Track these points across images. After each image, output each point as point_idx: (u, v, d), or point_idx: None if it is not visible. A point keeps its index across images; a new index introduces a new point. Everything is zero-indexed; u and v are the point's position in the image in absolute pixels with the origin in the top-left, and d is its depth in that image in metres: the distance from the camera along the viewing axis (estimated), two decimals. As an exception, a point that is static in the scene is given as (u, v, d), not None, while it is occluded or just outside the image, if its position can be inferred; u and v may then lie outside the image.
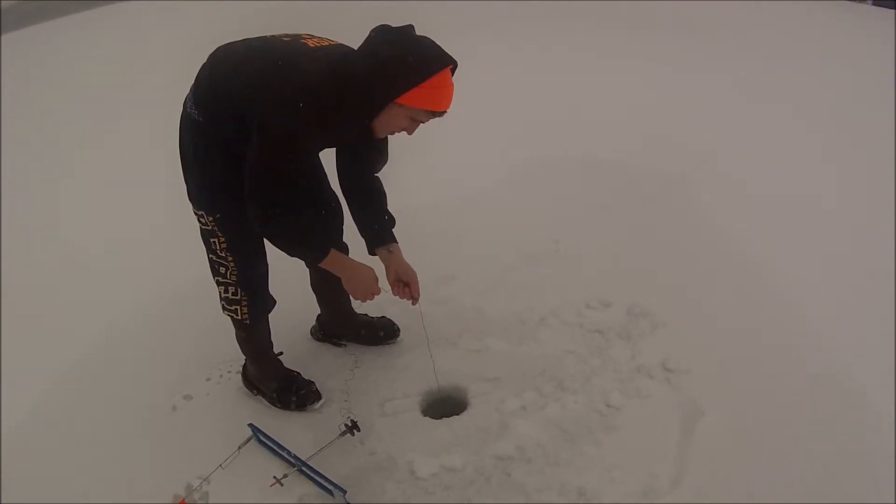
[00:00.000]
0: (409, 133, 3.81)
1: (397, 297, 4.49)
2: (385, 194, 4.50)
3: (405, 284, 4.45)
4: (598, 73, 10.11)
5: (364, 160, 4.36)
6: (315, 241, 4.15)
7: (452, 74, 3.63)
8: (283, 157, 3.70)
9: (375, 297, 4.35)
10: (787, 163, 7.10)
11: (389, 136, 4.12)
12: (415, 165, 7.20)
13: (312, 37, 3.87)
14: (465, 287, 5.80)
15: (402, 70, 3.49)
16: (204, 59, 3.92)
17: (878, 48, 10.63)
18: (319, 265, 4.15)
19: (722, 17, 11.75)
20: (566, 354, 5.00)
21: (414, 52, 3.50)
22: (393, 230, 4.48)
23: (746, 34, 11.01)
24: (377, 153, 4.36)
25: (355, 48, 3.69)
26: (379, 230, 4.43)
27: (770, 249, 5.78)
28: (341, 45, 3.86)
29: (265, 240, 4.25)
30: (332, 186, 4.59)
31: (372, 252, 4.46)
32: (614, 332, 5.15)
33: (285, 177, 3.78)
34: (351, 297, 4.67)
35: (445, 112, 3.67)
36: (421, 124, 3.77)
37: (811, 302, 5.25)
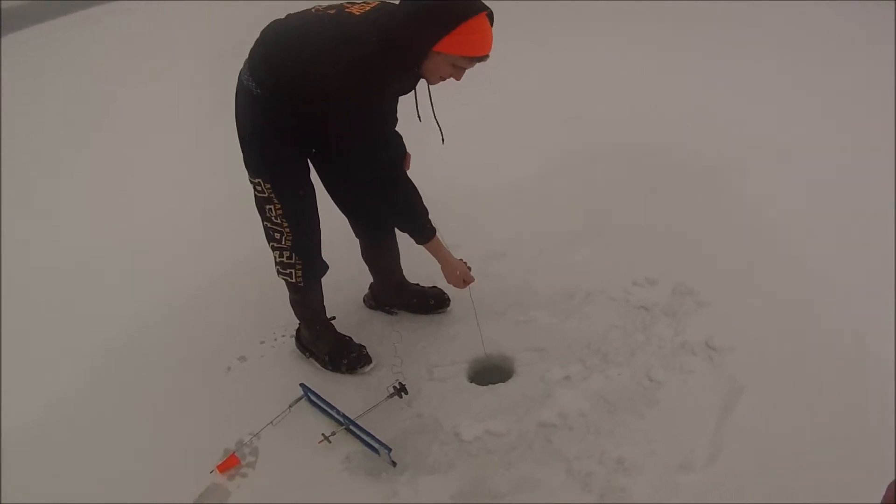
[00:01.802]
0: (458, 79, 3.90)
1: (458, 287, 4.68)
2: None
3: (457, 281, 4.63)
4: (641, 64, 10.05)
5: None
6: (426, 218, 4.31)
7: (491, 22, 3.72)
8: (362, 124, 3.87)
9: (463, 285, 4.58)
10: (836, 152, 7.04)
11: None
12: (467, 149, 7.29)
13: (354, 3, 3.98)
14: (514, 264, 5.86)
15: (434, 19, 3.62)
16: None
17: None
18: (424, 244, 4.33)
19: (771, 12, 11.64)
20: (611, 329, 5.06)
21: (446, 2, 3.62)
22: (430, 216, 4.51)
23: (796, 27, 10.91)
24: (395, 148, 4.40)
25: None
26: (425, 221, 4.47)
27: (815, 236, 5.77)
28: (384, 3, 3.97)
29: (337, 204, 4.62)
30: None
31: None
32: (659, 308, 5.19)
33: (376, 142, 3.97)
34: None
35: (487, 57, 3.76)
36: (466, 70, 3.85)
37: (855, 286, 5.24)
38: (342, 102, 3.79)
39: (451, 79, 3.90)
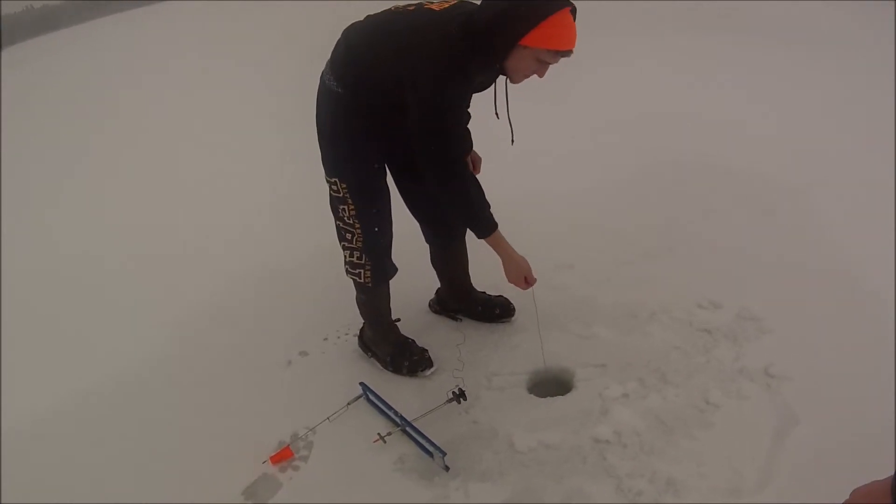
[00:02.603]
0: (541, 76, 3.95)
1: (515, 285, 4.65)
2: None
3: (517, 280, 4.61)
4: (712, 79, 10.13)
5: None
6: (487, 213, 4.32)
7: (574, 17, 3.76)
8: (443, 115, 3.92)
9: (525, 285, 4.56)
10: None
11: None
12: (542, 157, 7.33)
13: (432, 2, 4.05)
14: (580, 277, 5.89)
15: (522, 13, 3.68)
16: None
17: None
18: (485, 238, 4.31)
19: (831, 25, 11.57)
20: (672, 349, 5.06)
21: None
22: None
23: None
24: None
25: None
26: (488, 213, 4.50)
27: (886, 270, 5.65)
28: (462, 2, 4.04)
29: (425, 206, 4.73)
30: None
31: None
32: (721, 332, 5.17)
33: (451, 135, 4.02)
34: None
35: (571, 52, 3.81)
36: (551, 66, 3.91)
37: None
38: (424, 92, 3.85)
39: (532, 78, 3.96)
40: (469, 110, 4.27)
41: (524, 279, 4.53)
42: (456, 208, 4.28)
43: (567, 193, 7.14)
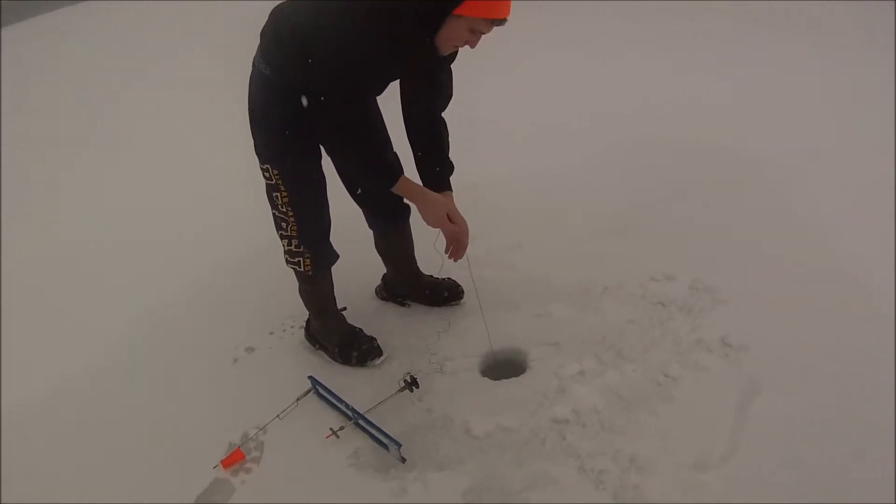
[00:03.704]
0: (472, 46, 3.84)
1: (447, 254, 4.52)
2: (447, 138, 4.51)
3: (451, 239, 4.45)
4: (671, 60, 10.14)
5: (428, 95, 4.38)
6: (388, 163, 4.17)
7: None
8: (351, 81, 3.76)
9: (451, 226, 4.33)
10: (868, 155, 7.00)
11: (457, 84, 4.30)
12: (494, 139, 7.26)
13: None
14: (533, 255, 5.83)
15: None
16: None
17: None
18: (392, 189, 4.14)
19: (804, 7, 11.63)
20: (627, 324, 5.01)
21: None
22: (450, 178, 4.51)
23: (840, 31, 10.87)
24: (440, 87, 4.37)
25: None
26: (439, 173, 4.46)
27: (839, 237, 5.70)
28: None
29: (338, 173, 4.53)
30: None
31: None
32: (676, 305, 5.14)
33: (355, 100, 3.86)
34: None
35: (505, 20, 3.68)
36: (483, 36, 3.79)
37: (876, 287, 5.17)
38: (336, 57, 3.69)
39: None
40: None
41: (446, 218, 4.28)
42: (352, 162, 4.20)
43: (522, 174, 7.09)
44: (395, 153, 4.45)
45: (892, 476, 3.81)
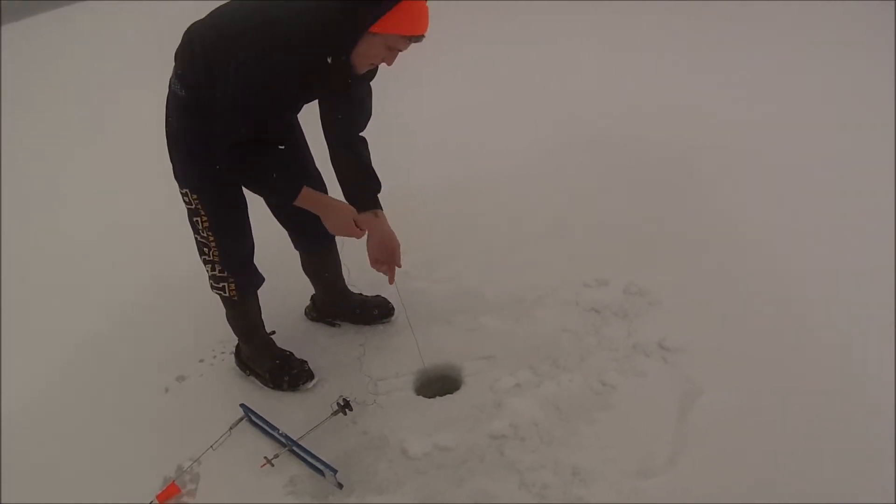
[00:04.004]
0: (389, 64, 3.75)
1: (375, 269, 4.43)
2: (368, 155, 4.41)
3: (384, 260, 4.38)
4: (600, 58, 10.11)
5: (346, 114, 4.27)
6: (286, 177, 4.04)
7: None
8: (255, 101, 3.63)
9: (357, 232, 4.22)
10: (794, 147, 7.04)
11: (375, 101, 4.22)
12: (420, 146, 7.22)
13: None
14: (465, 267, 5.77)
15: None
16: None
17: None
18: (294, 203, 4.03)
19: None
20: (562, 333, 4.96)
21: None
22: (378, 195, 4.37)
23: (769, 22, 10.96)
24: (359, 105, 4.27)
25: None
26: (362, 193, 4.32)
27: (768, 231, 5.75)
28: None
29: (246, 195, 4.35)
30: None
31: None
32: (610, 310, 5.11)
33: (255, 122, 3.69)
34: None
35: (423, 36, 3.60)
36: (400, 53, 3.71)
37: (809, 280, 5.22)
38: (243, 75, 3.56)
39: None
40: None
41: (353, 225, 4.17)
42: (249, 181, 4.03)
43: (447, 184, 7.02)
44: (318, 171, 4.45)
45: (835, 472, 3.84)
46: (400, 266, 4.42)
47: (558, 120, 8.15)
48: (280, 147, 4.07)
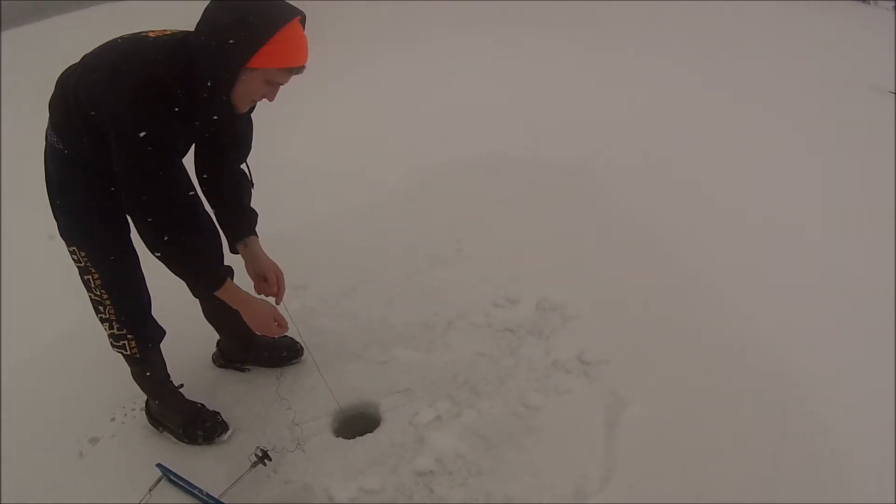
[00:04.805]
0: (270, 99, 3.63)
1: (262, 294, 4.32)
2: (249, 187, 4.32)
3: (264, 280, 4.32)
4: (494, 71, 10.17)
5: (225, 150, 4.17)
6: (212, 266, 3.98)
7: (303, 27, 3.46)
8: (150, 159, 3.50)
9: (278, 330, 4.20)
10: (698, 151, 7.19)
11: (255, 127, 4.15)
12: (310, 174, 7.09)
13: (153, 31, 3.66)
14: (369, 298, 5.66)
15: (246, 32, 3.32)
16: None
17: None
18: (215, 293, 3.96)
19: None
20: (477, 357, 4.91)
21: (253, 11, 3.32)
22: (256, 226, 4.34)
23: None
24: (238, 139, 4.17)
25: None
26: (238, 224, 4.27)
27: (678, 235, 5.83)
28: (183, 30, 3.63)
29: (152, 263, 4.08)
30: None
31: (233, 251, 4.32)
32: (525, 329, 5.07)
33: (161, 183, 3.58)
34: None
35: (304, 67, 3.50)
36: (281, 87, 3.59)
37: (722, 282, 5.29)
38: (121, 130, 3.43)
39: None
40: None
41: (274, 323, 4.16)
42: (174, 265, 3.89)
43: (337, 213, 6.88)
44: (206, 213, 4.31)
45: (768, 472, 3.93)
46: (282, 290, 4.37)
47: (440, 142, 8.11)
48: (191, 193, 4.02)
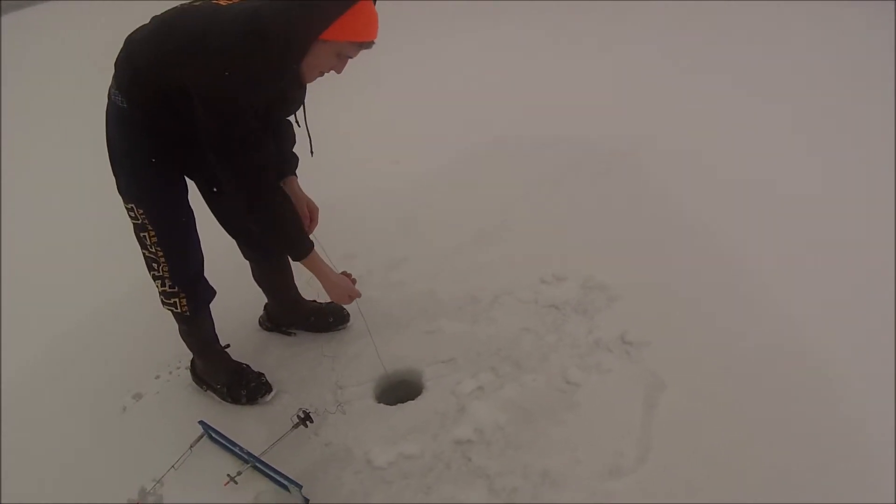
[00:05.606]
0: (339, 71, 3.69)
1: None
2: (292, 135, 4.39)
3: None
4: (542, 55, 10.10)
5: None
6: (303, 234, 4.07)
7: (375, 3, 3.49)
8: (246, 125, 3.57)
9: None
10: (740, 138, 7.10)
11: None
12: (361, 151, 7.11)
13: None
14: (417, 270, 5.70)
15: (323, 4, 3.39)
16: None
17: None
18: (300, 261, 4.06)
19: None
20: (522, 332, 4.92)
21: None
22: (296, 168, 4.45)
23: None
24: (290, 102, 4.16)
25: None
26: (279, 165, 4.32)
27: (723, 220, 5.76)
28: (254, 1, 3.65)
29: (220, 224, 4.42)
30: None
31: None
32: (570, 307, 5.07)
33: (255, 148, 3.64)
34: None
35: (373, 43, 3.56)
36: (350, 60, 3.65)
37: (768, 269, 5.22)
38: (209, 99, 3.49)
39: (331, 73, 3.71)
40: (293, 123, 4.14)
41: (347, 295, 4.33)
42: (266, 230, 4.00)
43: (392, 188, 6.93)
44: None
45: (806, 461, 3.86)
46: (315, 223, 4.48)
47: (489, 121, 8.11)
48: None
